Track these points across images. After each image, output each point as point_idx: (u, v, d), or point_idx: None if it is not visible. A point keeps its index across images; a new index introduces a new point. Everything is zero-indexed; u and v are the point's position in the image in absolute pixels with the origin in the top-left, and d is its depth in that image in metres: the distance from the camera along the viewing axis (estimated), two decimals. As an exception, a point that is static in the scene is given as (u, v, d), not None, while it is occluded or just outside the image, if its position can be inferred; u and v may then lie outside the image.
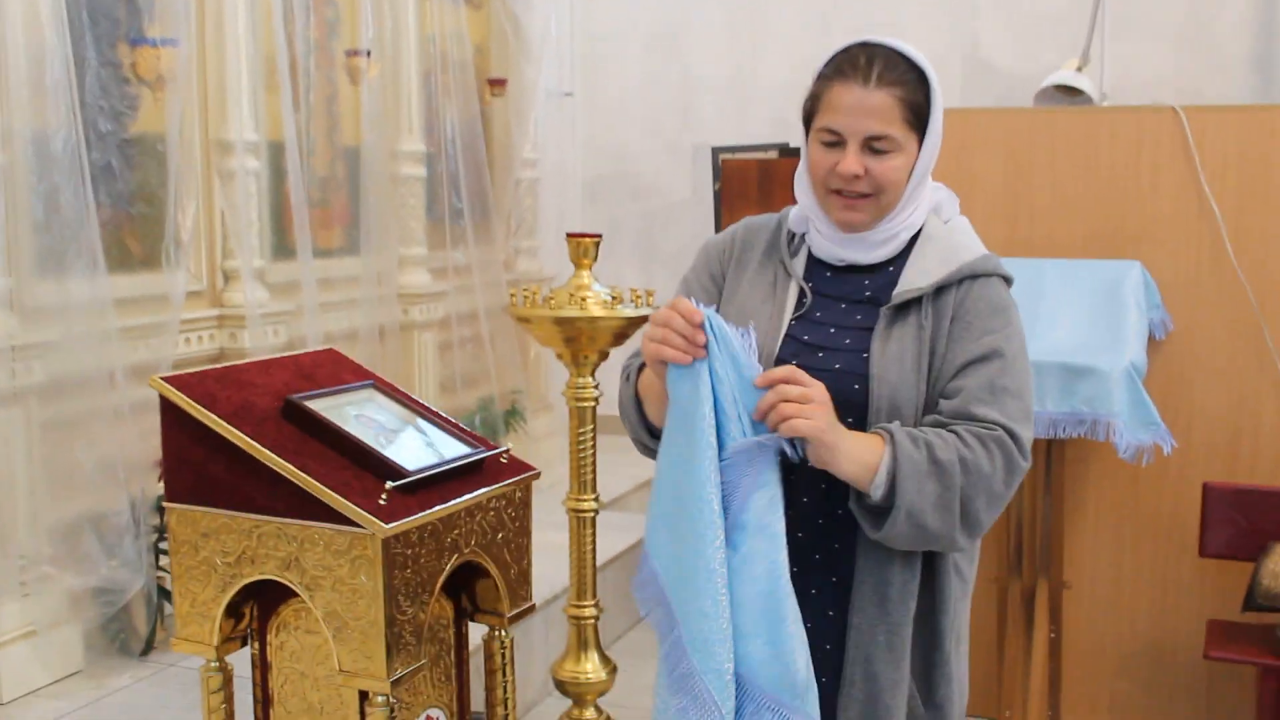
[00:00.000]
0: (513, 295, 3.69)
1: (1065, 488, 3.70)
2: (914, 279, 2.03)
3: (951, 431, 1.91)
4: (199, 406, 2.54)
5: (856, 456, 1.87)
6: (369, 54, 4.87)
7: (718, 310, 2.08)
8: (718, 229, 6.10)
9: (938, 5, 6.28)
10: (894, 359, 1.97)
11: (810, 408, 1.84)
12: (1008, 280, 2.09)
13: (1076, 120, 3.94)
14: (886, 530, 1.89)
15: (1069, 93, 4.54)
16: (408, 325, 5.38)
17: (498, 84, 5.94)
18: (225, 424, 2.51)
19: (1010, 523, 3.67)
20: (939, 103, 2.04)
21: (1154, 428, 3.30)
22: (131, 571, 3.69)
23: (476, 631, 2.89)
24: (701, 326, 1.91)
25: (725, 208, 5.86)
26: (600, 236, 3.73)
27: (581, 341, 3.18)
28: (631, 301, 3.08)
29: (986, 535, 3.71)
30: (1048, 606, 3.63)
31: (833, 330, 2.06)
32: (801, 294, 2.10)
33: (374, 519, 2.39)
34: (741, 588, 1.89)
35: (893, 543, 1.93)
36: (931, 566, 2.01)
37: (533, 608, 2.91)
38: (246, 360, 3.13)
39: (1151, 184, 3.81)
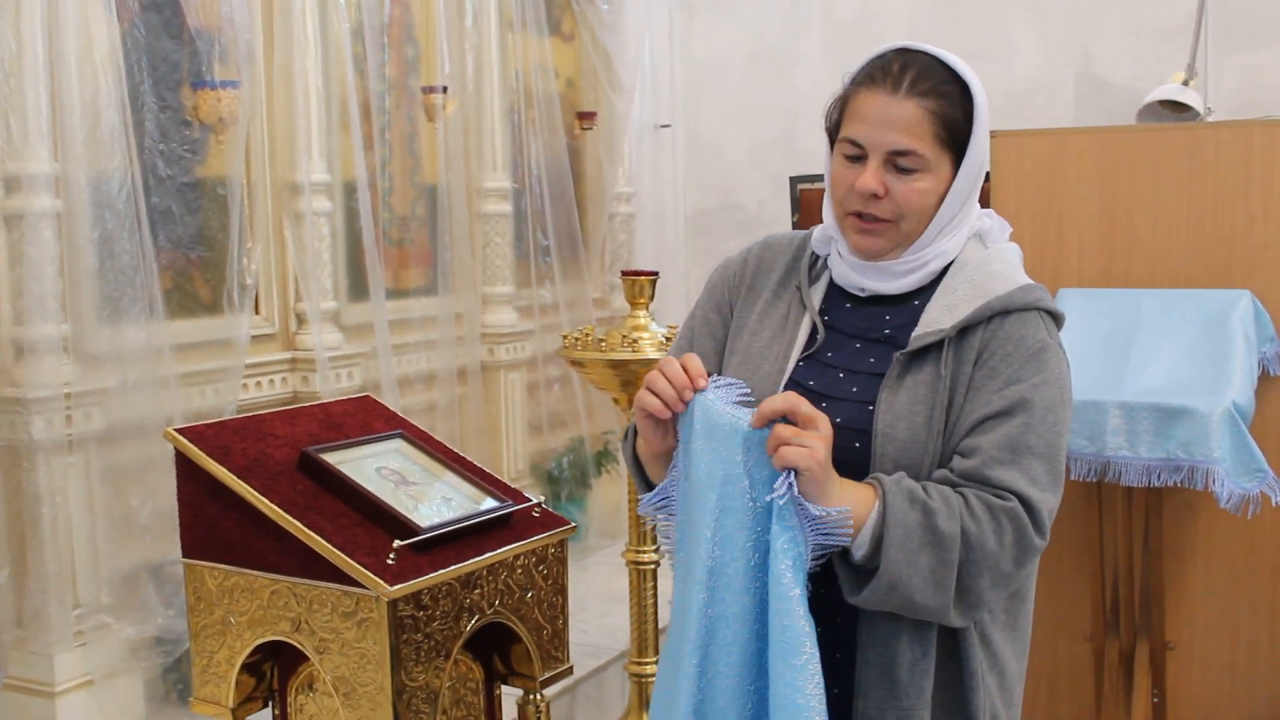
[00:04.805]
0: (565, 337, 3.54)
1: (1167, 538, 3.38)
2: (936, 318, 1.76)
3: (960, 494, 1.66)
4: (209, 459, 2.44)
5: (841, 504, 1.62)
6: (445, 90, 4.79)
7: (724, 348, 1.90)
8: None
9: (1052, 22, 5.97)
10: (903, 413, 1.71)
11: (809, 436, 1.59)
12: (1055, 317, 1.80)
13: (1178, 137, 3.63)
14: (866, 596, 1.64)
15: (1176, 108, 4.23)
16: (493, 365, 5.27)
17: (587, 117, 5.83)
18: (234, 477, 2.41)
19: (1105, 576, 3.37)
20: (983, 121, 1.78)
21: (1260, 475, 2.97)
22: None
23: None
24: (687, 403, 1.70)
25: (805, 240, 5.60)
26: (657, 274, 3.55)
27: (637, 385, 3.00)
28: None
29: (1078, 588, 3.46)
30: (1149, 669, 3.32)
31: (841, 375, 1.80)
32: (814, 329, 1.85)
33: (378, 579, 2.26)
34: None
35: (876, 608, 1.68)
36: (952, 637, 1.73)
37: (569, 670, 2.74)
38: (301, 404, 3.06)
39: (1263, 205, 3.48)
